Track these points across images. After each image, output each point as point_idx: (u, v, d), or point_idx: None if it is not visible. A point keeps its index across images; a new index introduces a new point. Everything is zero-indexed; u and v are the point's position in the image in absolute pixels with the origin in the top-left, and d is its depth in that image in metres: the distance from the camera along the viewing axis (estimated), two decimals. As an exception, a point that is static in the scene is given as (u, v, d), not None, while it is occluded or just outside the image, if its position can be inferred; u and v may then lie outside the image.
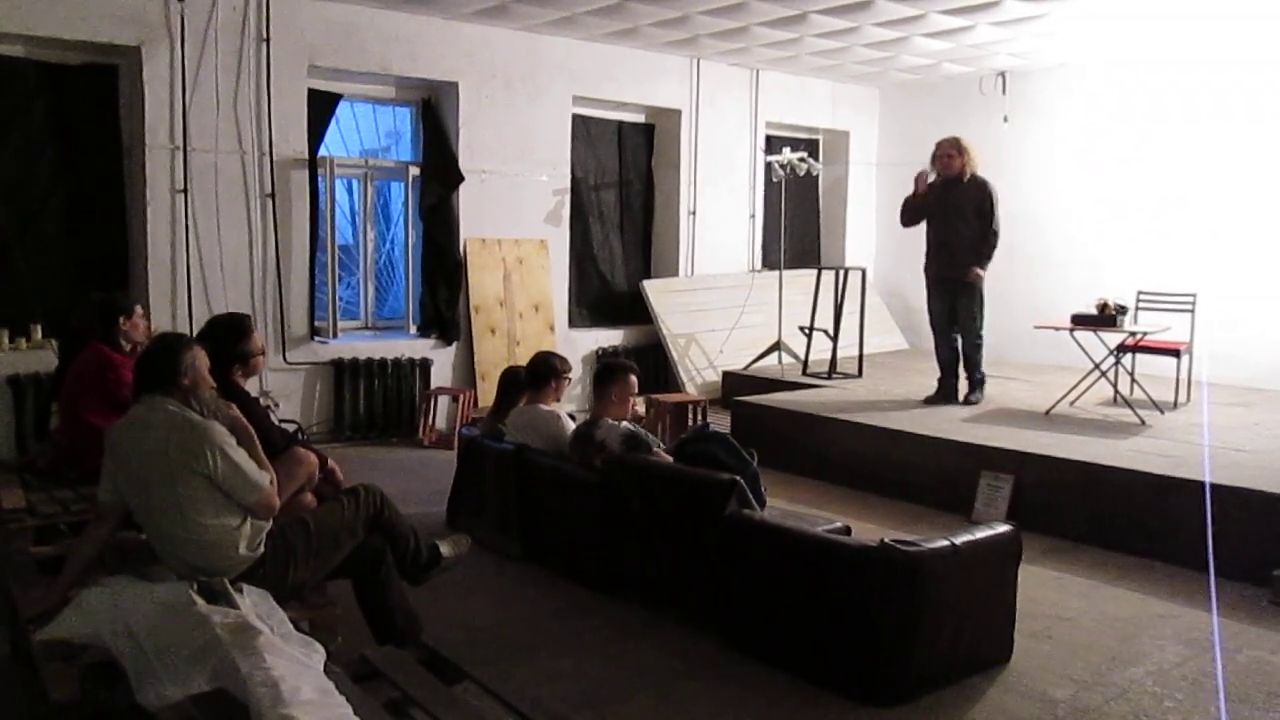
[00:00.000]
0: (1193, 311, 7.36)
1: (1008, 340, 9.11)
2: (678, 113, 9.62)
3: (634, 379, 4.93)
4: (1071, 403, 7.02)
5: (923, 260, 7.35)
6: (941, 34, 8.25)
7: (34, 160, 6.67)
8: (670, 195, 9.81)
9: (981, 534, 3.72)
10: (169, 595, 2.91)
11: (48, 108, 6.68)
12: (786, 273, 9.31)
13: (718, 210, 9.97)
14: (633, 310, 9.52)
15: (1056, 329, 7.09)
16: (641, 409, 7.08)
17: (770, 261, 10.06)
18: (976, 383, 7.24)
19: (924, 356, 8.88)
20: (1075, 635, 4.12)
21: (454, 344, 8.35)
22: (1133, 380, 7.09)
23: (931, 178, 7.11)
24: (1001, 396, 7.48)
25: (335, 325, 7.90)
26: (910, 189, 7.22)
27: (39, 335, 6.50)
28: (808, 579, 3.68)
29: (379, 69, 7.78)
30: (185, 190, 6.97)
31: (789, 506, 5.53)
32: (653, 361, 9.31)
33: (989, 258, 7.00)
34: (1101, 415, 6.83)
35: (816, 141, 11.14)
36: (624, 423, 4.74)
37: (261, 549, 3.26)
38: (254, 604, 2.97)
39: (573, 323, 9.18)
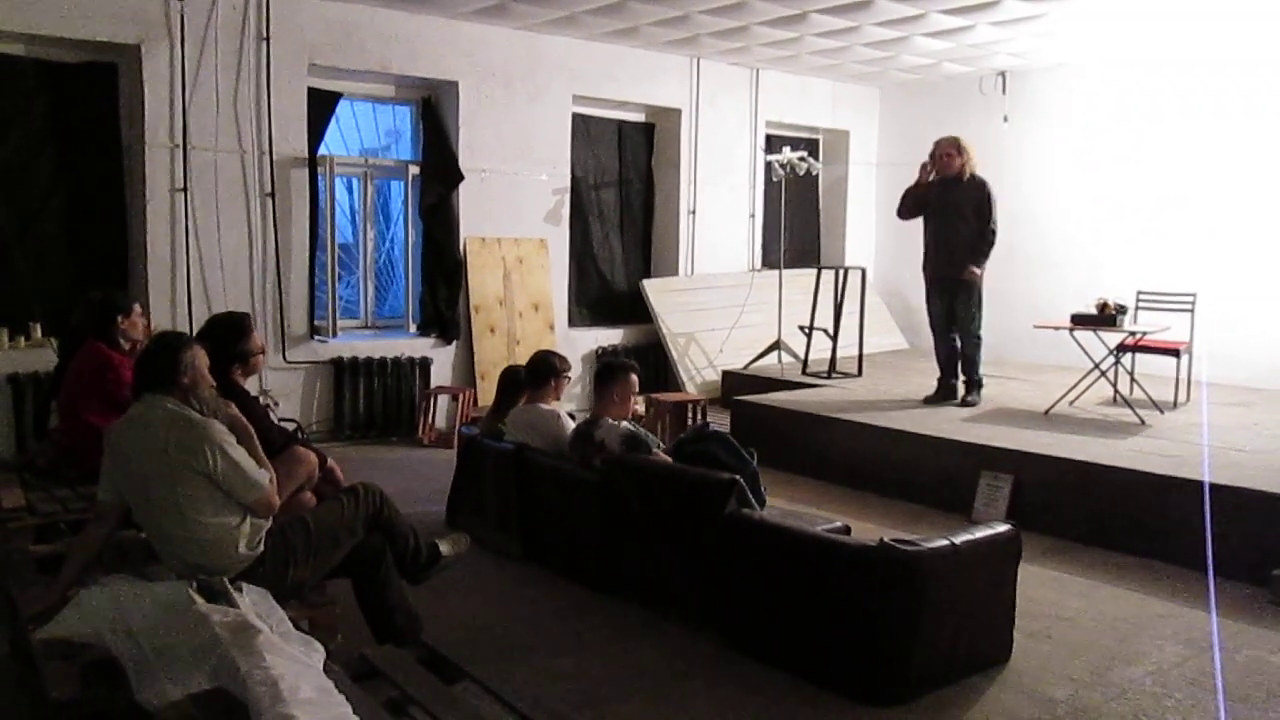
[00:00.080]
0: (1192, 311, 7.36)
1: (1007, 340, 9.11)
2: (678, 112, 9.62)
3: (635, 378, 4.93)
4: (1071, 402, 7.02)
5: (921, 260, 7.35)
6: (941, 34, 8.25)
7: (33, 159, 6.67)
8: (670, 194, 9.81)
9: (981, 534, 3.72)
10: (168, 594, 2.91)
11: (47, 106, 6.67)
12: (786, 272, 9.31)
13: (718, 210, 9.97)
14: (632, 309, 9.52)
15: (1056, 329, 7.09)
16: (641, 408, 7.09)
17: (770, 261, 10.06)
18: (974, 384, 7.22)
19: (924, 356, 8.88)
20: (1075, 635, 4.12)
21: (454, 343, 8.35)
22: (1132, 380, 7.10)
23: (930, 177, 7.11)
24: (1001, 396, 7.48)
25: (335, 324, 7.90)
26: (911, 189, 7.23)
27: (38, 334, 6.50)
28: (807, 579, 3.68)
29: (379, 68, 7.78)
30: (185, 189, 6.97)
31: (789, 506, 5.54)
32: (652, 361, 9.32)
33: (986, 257, 7.00)
34: (1101, 415, 6.83)
35: (816, 141, 11.13)
36: (624, 422, 4.74)
37: (261, 548, 3.26)
38: (253, 603, 2.96)
39: (572, 322, 9.18)
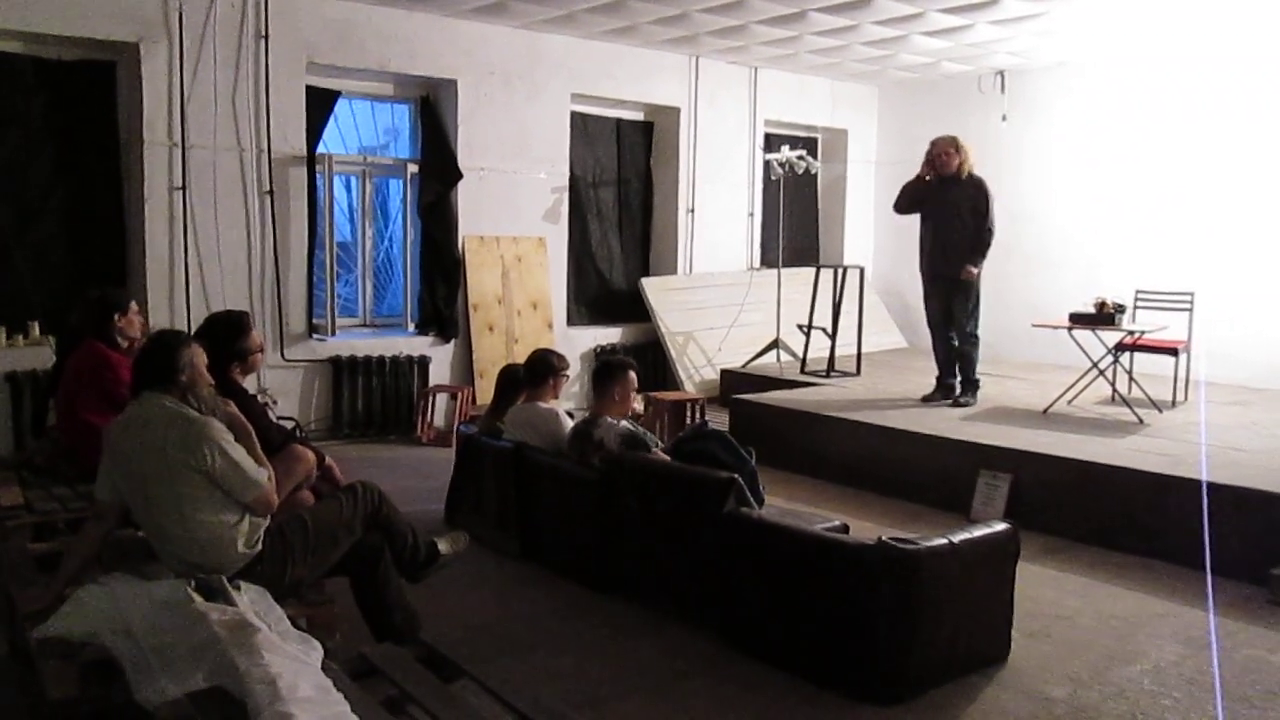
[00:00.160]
0: (1190, 310, 7.37)
1: (1006, 339, 9.12)
2: (676, 111, 9.61)
3: (634, 375, 4.93)
4: (1069, 401, 7.03)
5: (918, 258, 7.34)
6: (940, 32, 8.25)
7: (32, 157, 6.66)
8: (669, 193, 9.81)
9: (979, 533, 3.72)
10: (167, 593, 2.91)
11: (46, 104, 6.66)
12: (785, 271, 9.31)
13: (716, 208, 9.96)
14: (631, 308, 9.52)
15: (1054, 328, 7.09)
16: (640, 407, 7.09)
17: (769, 260, 10.06)
18: (970, 384, 7.20)
19: (922, 355, 8.88)
20: (1073, 634, 4.12)
21: (452, 341, 8.35)
22: (1131, 379, 7.10)
23: (928, 177, 7.10)
24: (999, 395, 7.48)
25: (333, 323, 7.89)
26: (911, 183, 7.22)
27: (37, 332, 6.49)
28: (806, 577, 3.68)
29: (377, 66, 7.77)
30: (183, 187, 6.97)
31: (787, 505, 5.53)
32: (651, 359, 9.31)
33: (984, 256, 6.99)
34: (1099, 414, 6.83)
35: (815, 140, 11.13)
36: (623, 421, 4.74)
37: (259, 546, 3.26)
38: (252, 601, 2.96)
39: (571, 320, 9.18)
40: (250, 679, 2.47)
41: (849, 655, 3.52)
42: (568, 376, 5.40)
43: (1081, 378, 7.02)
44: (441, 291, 8.28)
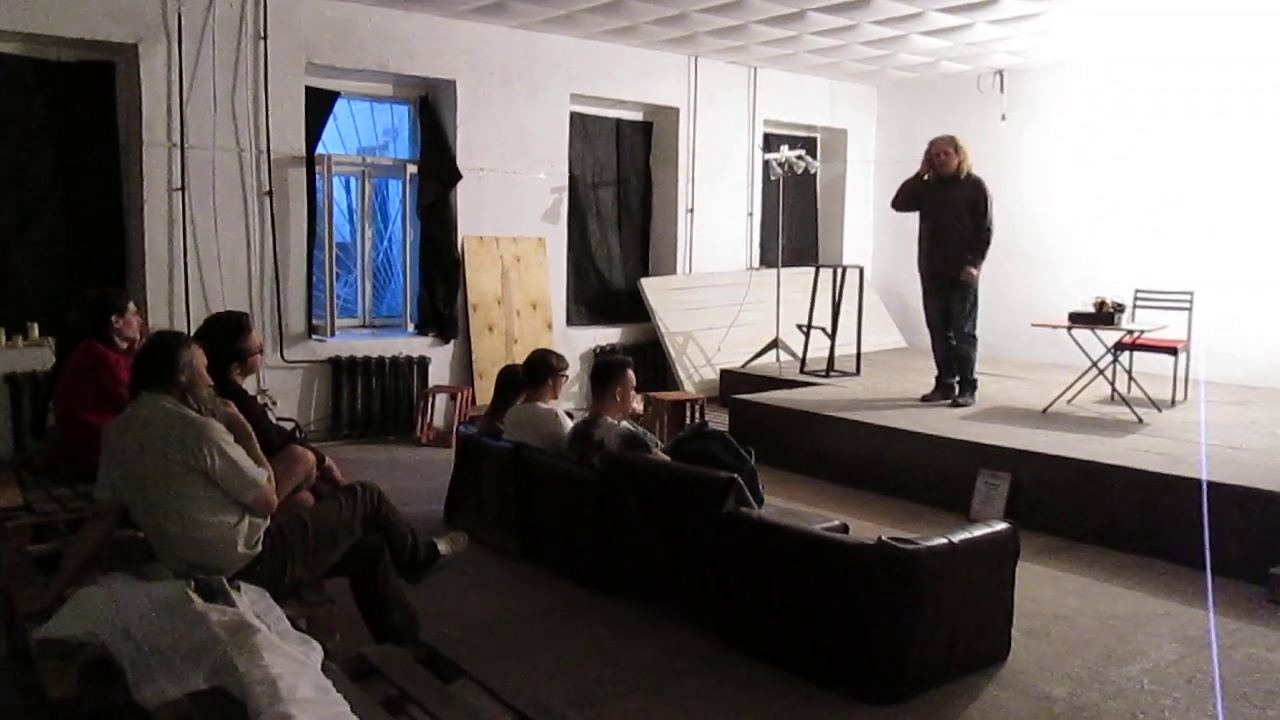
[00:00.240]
0: (1190, 310, 7.37)
1: (1005, 338, 9.12)
2: (676, 111, 9.62)
3: (632, 374, 4.93)
4: (1069, 401, 7.03)
5: (916, 257, 7.34)
6: (939, 32, 8.25)
7: (31, 158, 6.66)
8: (668, 193, 9.81)
9: (979, 532, 3.72)
10: (166, 593, 2.90)
11: (45, 105, 6.67)
12: (784, 271, 9.31)
13: (716, 208, 9.96)
14: (631, 308, 9.52)
15: (1054, 327, 7.09)
16: (639, 407, 7.09)
17: (768, 259, 10.06)
18: (968, 385, 7.18)
19: (922, 355, 8.88)
20: (1072, 633, 4.12)
21: (452, 342, 8.35)
22: (1130, 378, 7.10)
23: (927, 177, 7.11)
24: (999, 395, 7.48)
25: (333, 323, 7.89)
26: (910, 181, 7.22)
27: (36, 333, 6.49)
28: (805, 577, 3.68)
29: (376, 66, 7.77)
30: (183, 188, 6.97)
31: (787, 504, 5.53)
32: (651, 359, 9.32)
33: (983, 256, 6.98)
34: (1099, 413, 6.84)
35: (814, 139, 11.13)
36: (623, 422, 4.74)
37: (259, 547, 3.26)
38: (251, 602, 2.96)
39: (571, 321, 9.18)
40: (250, 680, 2.47)
41: (849, 655, 3.52)
42: (567, 377, 5.40)
43: (1081, 377, 7.02)
44: (441, 292, 8.28)
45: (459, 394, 8.01)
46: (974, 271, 6.98)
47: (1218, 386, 7.73)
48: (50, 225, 6.77)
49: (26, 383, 6.34)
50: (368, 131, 8.88)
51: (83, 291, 5.06)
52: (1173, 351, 7.20)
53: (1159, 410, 6.84)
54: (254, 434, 3.37)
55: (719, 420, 7.33)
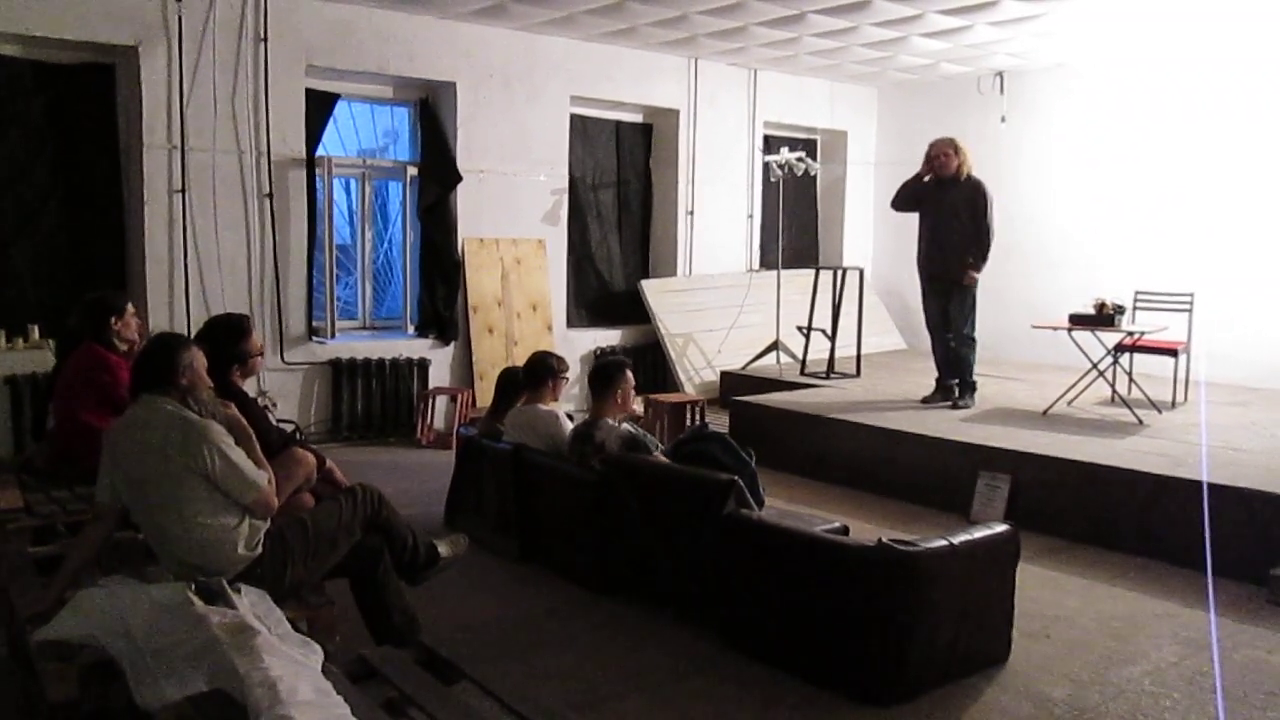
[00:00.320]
0: (1190, 311, 7.37)
1: (1005, 340, 9.12)
2: (676, 112, 9.62)
3: (632, 375, 4.93)
4: (1069, 402, 7.03)
5: (916, 258, 7.34)
6: (939, 34, 8.25)
7: (31, 160, 6.66)
8: (668, 195, 9.81)
9: (979, 534, 3.72)
10: (166, 595, 2.90)
11: (45, 107, 6.67)
12: (784, 272, 9.31)
13: (716, 210, 9.97)
14: (631, 310, 9.52)
15: (1054, 329, 7.09)
16: (639, 408, 7.09)
17: (768, 261, 10.06)
18: (966, 387, 7.18)
19: (922, 356, 8.88)
20: (1073, 634, 4.12)
21: (452, 344, 8.35)
22: (1130, 380, 7.10)
23: (927, 178, 7.11)
24: (999, 396, 7.48)
25: (333, 325, 7.90)
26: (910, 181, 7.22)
27: (36, 335, 6.49)
28: (806, 579, 3.68)
29: (376, 68, 7.78)
30: (183, 190, 6.97)
31: (787, 506, 5.54)
32: (651, 361, 9.32)
33: (984, 258, 6.97)
34: (1099, 415, 6.84)
35: (814, 141, 11.14)
36: (624, 424, 4.74)
37: (259, 549, 3.26)
38: (251, 604, 2.96)
39: (571, 322, 9.18)
40: (250, 682, 2.47)
41: (849, 656, 3.52)
42: (567, 378, 5.40)
43: (1081, 379, 7.02)
44: (441, 294, 8.28)
45: (459, 396, 8.02)
46: (975, 275, 6.98)
47: (1218, 388, 7.73)
48: (50, 227, 6.77)
49: (26, 385, 6.33)
50: (368, 133, 8.90)
51: (83, 294, 5.07)
52: (1173, 353, 7.20)
53: (1159, 412, 6.84)
54: (254, 436, 3.37)
55: (719, 422, 7.32)
